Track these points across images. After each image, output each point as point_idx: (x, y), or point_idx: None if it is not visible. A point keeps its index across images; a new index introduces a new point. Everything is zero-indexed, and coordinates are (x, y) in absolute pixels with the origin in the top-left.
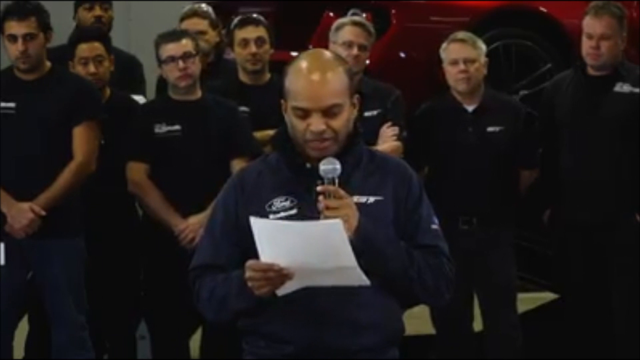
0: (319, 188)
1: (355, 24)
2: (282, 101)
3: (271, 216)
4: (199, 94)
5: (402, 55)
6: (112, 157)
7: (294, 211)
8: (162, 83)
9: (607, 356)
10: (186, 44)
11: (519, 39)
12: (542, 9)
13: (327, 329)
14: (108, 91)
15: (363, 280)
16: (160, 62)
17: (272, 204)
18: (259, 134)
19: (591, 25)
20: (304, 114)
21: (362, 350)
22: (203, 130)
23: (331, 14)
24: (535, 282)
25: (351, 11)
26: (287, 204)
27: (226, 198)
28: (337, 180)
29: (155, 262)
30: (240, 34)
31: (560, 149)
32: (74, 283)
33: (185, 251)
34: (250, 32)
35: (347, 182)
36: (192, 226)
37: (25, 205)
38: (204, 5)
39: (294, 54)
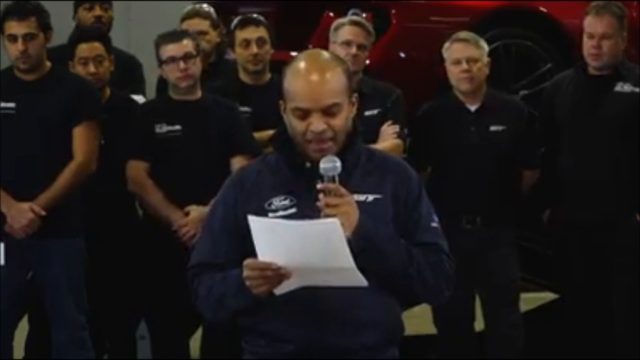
0: (319, 186)
1: (354, 23)
2: (281, 102)
3: (270, 215)
4: (199, 94)
5: (402, 55)
6: (112, 157)
7: (293, 210)
8: (162, 83)
9: (607, 356)
10: (187, 45)
11: (519, 39)
12: (542, 9)
13: (327, 327)
14: (108, 91)
15: (361, 281)
16: (161, 62)
17: (271, 203)
18: (259, 134)
19: (592, 24)
20: (304, 114)
21: (362, 349)
22: (203, 130)
23: (331, 14)
24: (535, 282)
25: (351, 11)
26: (287, 203)
27: (225, 197)
28: (337, 178)
29: (155, 262)
30: (241, 35)
31: (561, 149)
32: (74, 283)
33: (185, 251)
34: (251, 33)
35: (346, 180)
36: (192, 222)
37: (25, 206)
38: (205, 6)
39: (294, 54)
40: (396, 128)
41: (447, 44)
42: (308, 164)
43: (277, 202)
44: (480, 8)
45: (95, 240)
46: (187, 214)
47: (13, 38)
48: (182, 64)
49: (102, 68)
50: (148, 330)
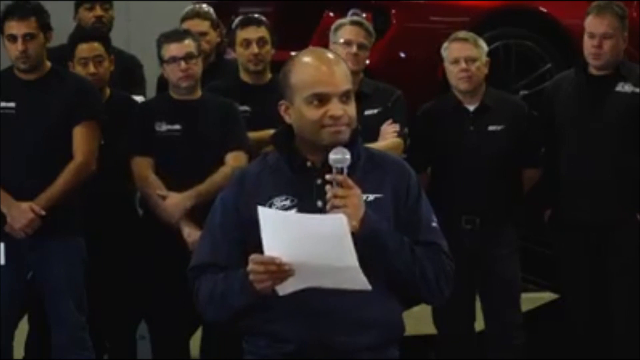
0: (327, 177)
1: (355, 23)
2: (283, 101)
3: None
4: (199, 93)
5: (402, 55)
6: (112, 157)
7: (294, 210)
8: (162, 83)
9: (607, 356)
10: (189, 45)
11: (519, 39)
12: (542, 9)
13: (328, 327)
14: (108, 91)
15: (364, 284)
16: (162, 61)
17: (272, 203)
18: (259, 134)
19: (593, 24)
20: (322, 100)
21: (362, 349)
22: (203, 129)
23: (331, 14)
24: (535, 282)
25: (351, 11)
26: (287, 203)
27: (226, 197)
28: (345, 170)
29: (155, 262)
30: (242, 35)
31: (561, 148)
32: (74, 283)
33: (185, 251)
34: (252, 33)
35: (350, 177)
36: (170, 206)
37: (25, 205)
38: (205, 6)
39: (294, 54)
40: (396, 127)
41: (445, 44)
42: (309, 164)
43: (278, 202)
44: (480, 8)
45: (95, 240)
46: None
47: (13, 38)
48: (183, 64)
49: (102, 68)
50: (148, 330)
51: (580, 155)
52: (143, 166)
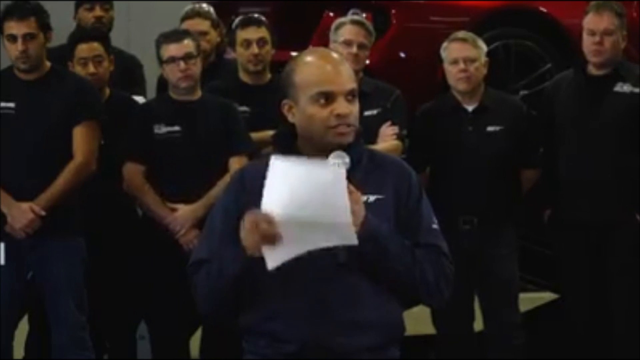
0: None
1: (355, 23)
2: (286, 101)
3: None
4: (199, 94)
5: (402, 55)
6: (112, 157)
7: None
8: (162, 83)
9: (607, 356)
10: (188, 45)
11: (518, 39)
12: (542, 8)
13: (328, 327)
14: (108, 91)
15: (352, 239)
16: (162, 61)
17: None
18: (259, 134)
19: (594, 21)
20: (328, 99)
21: (362, 349)
22: (202, 130)
23: (331, 14)
24: (535, 282)
25: (351, 11)
26: None
27: (226, 197)
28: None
29: (155, 262)
30: (242, 35)
31: (560, 149)
32: (74, 283)
33: (184, 251)
34: (253, 33)
35: (348, 179)
36: (180, 219)
37: (25, 206)
38: (205, 6)
39: (294, 54)
40: (395, 129)
41: (444, 44)
42: None
43: None
44: (480, 8)
45: (95, 240)
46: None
47: (13, 38)
48: (182, 64)
49: (102, 68)
50: (148, 330)
51: (580, 155)
52: (133, 173)
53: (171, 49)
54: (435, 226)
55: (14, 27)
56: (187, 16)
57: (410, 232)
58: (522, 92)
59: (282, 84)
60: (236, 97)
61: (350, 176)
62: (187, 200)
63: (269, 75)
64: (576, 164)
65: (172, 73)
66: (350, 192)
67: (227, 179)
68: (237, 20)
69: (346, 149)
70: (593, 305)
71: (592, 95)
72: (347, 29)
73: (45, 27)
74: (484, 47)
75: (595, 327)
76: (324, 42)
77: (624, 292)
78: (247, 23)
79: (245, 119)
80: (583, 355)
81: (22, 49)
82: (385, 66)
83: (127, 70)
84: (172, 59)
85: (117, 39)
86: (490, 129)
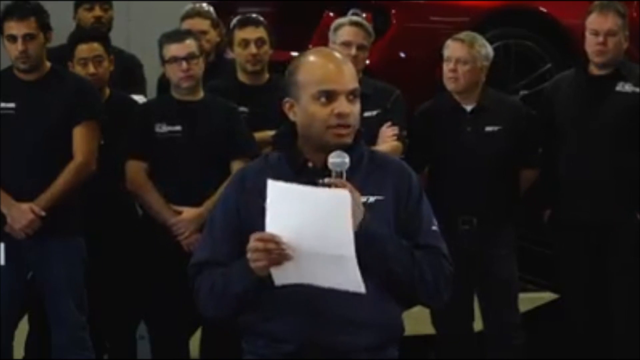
0: (326, 180)
1: (354, 23)
2: (287, 99)
3: None
4: (201, 94)
5: (402, 55)
6: (112, 157)
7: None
8: (162, 83)
9: (607, 356)
10: (190, 45)
11: (519, 39)
12: (542, 9)
13: (327, 328)
14: (107, 91)
15: (359, 284)
16: (164, 61)
17: None
18: (259, 134)
19: (597, 22)
20: (329, 98)
21: (361, 349)
22: (203, 131)
23: (331, 14)
24: (535, 282)
25: (351, 11)
26: None
27: (226, 196)
28: (344, 174)
29: (155, 262)
30: (240, 35)
31: (560, 148)
32: (74, 283)
33: (184, 252)
34: (251, 33)
35: (349, 180)
36: (184, 221)
37: (25, 206)
38: (205, 5)
39: (294, 54)
40: (395, 130)
41: (447, 42)
42: (310, 164)
43: None
44: (480, 8)
45: (95, 240)
46: (180, 214)
47: (13, 38)
48: (184, 64)
49: (102, 68)
50: (148, 330)
51: (580, 155)
52: (136, 171)
53: (173, 49)
54: (435, 227)
55: (14, 27)
56: (188, 15)
57: (409, 233)
58: (522, 92)
59: (285, 82)
60: (234, 97)
61: (351, 176)
62: (187, 200)
63: (267, 76)
64: (576, 163)
65: (174, 73)
66: (349, 192)
67: None
68: (234, 20)
69: (347, 149)
70: (593, 305)
71: (593, 95)
72: (346, 30)
73: (45, 27)
74: (483, 52)
75: (595, 327)
76: (324, 43)
77: (624, 292)
78: (245, 23)
79: (244, 119)
80: (583, 355)
81: (22, 49)
82: (385, 66)
83: (127, 70)
84: (175, 59)
85: (117, 39)
86: (488, 129)
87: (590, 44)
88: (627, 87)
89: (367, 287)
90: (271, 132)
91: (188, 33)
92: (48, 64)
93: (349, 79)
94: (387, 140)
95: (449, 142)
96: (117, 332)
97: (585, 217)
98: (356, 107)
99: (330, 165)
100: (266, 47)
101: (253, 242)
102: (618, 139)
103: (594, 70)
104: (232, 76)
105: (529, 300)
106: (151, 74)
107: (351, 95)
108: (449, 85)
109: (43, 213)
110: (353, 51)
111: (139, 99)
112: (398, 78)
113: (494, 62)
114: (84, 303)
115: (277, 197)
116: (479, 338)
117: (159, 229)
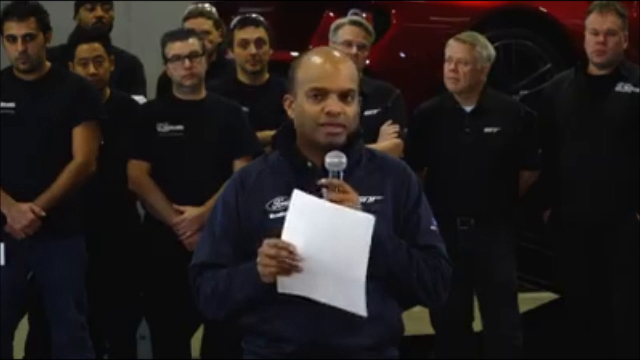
0: (323, 180)
1: (354, 23)
2: (287, 96)
3: (271, 215)
4: (203, 93)
5: (402, 55)
6: (112, 158)
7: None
8: (162, 83)
9: (607, 356)
10: (193, 43)
11: (518, 39)
12: (542, 9)
13: (327, 328)
14: (108, 91)
15: (362, 308)
16: (166, 60)
17: (272, 203)
18: (259, 134)
19: (597, 21)
20: (321, 96)
21: (361, 349)
22: (205, 130)
23: (331, 14)
24: (535, 282)
25: (351, 11)
26: (287, 204)
27: (226, 197)
28: (342, 175)
29: (156, 262)
30: (240, 35)
31: (560, 149)
32: (74, 283)
33: (185, 251)
34: (250, 33)
35: (347, 180)
36: (187, 221)
37: (25, 206)
38: (207, 5)
39: (294, 54)
40: (396, 127)
41: (448, 42)
42: (309, 164)
43: (278, 202)
44: (480, 8)
45: (95, 240)
46: (182, 214)
47: (12, 38)
48: (187, 63)
49: (102, 69)
50: (149, 330)
51: (580, 155)
52: (138, 170)
53: (176, 47)
54: (434, 228)
55: (14, 28)
56: (190, 15)
57: (408, 233)
58: (522, 92)
59: (287, 80)
60: (234, 97)
61: (350, 176)
62: (190, 200)
63: (267, 76)
64: (576, 164)
65: (177, 71)
66: (346, 192)
67: None
68: (235, 20)
69: (346, 149)
70: (593, 305)
71: (592, 95)
72: (346, 29)
73: (45, 27)
74: (485, 53)
75: (595, 327)
76: (324, 43)
77: (624, 291)
78: (245, 23)
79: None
80: (583, 355)
81: (21, 49)
82: (385, 66)
83: (128, 71)
84: (177, 57)
85: (117, 39)
86: (487, 130)
87: (590, 43)
88: (627, 87)
89: (367, 287)
90: (271, 132)
91: (191, 32)
92: (48, 64)
93: (344, 78)
94: (388, 137)
95: (448, 143)
96: (117, 332)
97: (585, 217)
98: (350, 108)
99: (327, 165)
100: (266, 47)
101: (266, 247)
102: (618, 139)
103: (593, 70)
104: (232, 76)
105: (529, 300)
106: (151, 74)
107: (345, 95)
108: (450, 86)
109: (43, 213)
110: (353, 51)
111: (140, 99)
112: (398, 78)
113: (494, 62)
114: (84, 303)
115: (300, 208)
116: (478, 338)
117: (160, 228)
